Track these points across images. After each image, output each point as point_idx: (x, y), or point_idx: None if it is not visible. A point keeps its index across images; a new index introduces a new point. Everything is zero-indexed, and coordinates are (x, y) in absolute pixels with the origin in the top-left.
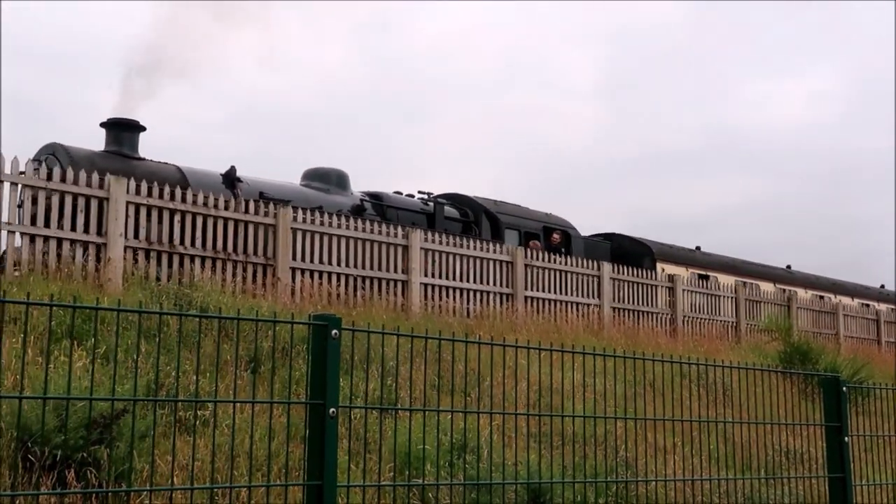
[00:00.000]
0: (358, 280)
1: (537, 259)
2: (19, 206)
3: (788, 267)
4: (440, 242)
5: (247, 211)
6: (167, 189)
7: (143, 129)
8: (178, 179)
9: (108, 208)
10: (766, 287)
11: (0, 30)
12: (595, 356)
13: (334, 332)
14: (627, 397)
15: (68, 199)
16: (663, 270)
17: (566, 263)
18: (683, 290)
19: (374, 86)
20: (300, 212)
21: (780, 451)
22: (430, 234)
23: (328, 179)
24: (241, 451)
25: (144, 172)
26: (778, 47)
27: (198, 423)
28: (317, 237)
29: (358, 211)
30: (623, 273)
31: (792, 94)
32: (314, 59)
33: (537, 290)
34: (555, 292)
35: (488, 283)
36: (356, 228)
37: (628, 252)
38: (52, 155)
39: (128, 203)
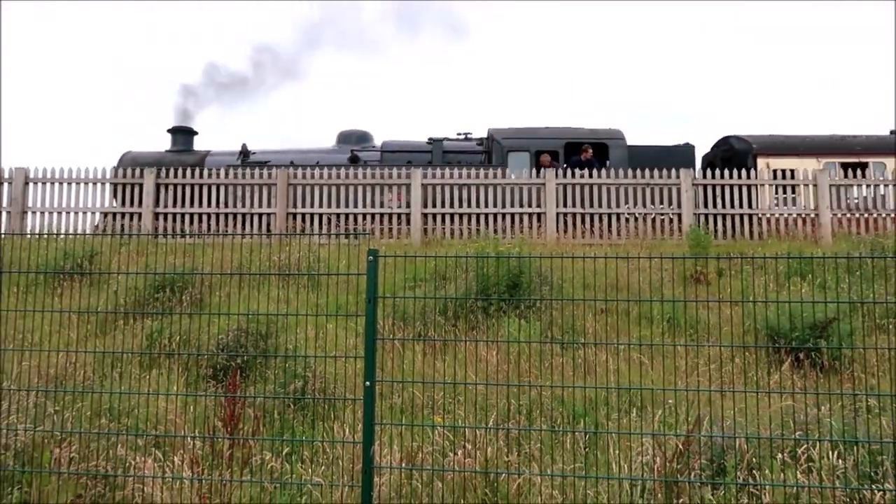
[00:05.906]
0: None
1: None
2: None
3: None
4: None
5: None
6: None
7: (196, 133)
8: (199, 161)
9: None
10: None
11: (0, 30)
12: None
13: None
14: None
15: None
16: (767, 166)
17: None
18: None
19: None
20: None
21: None
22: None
23: (350, 139)
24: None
25: (174, 160)
26: None
27: None
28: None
29: (353, 160)
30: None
31: None
32: None
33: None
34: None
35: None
36: None
37: (738, 153)
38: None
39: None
